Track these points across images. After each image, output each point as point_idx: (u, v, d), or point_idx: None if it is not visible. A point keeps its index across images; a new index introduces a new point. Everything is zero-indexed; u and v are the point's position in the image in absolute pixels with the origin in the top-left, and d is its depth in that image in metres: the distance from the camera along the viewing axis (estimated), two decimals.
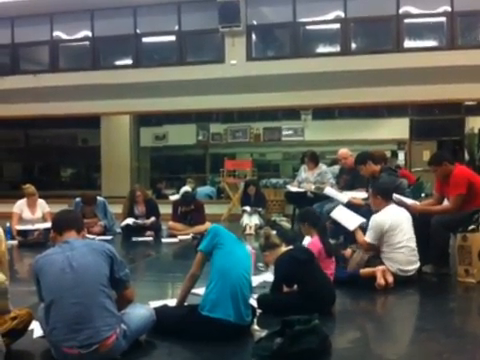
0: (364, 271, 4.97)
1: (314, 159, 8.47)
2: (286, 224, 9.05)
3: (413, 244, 5.12)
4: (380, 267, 4.91)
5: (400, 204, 5.45)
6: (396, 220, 5.07)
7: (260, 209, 9.49)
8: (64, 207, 5.30)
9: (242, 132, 14.63)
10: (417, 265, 5.12)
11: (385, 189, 5.38)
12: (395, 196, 5.56)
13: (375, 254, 5.12)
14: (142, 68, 11.87)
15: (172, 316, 3.64)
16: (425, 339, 3.61)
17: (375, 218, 5.13)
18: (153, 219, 8.85)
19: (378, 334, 3.90)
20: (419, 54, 10.40)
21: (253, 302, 3.93)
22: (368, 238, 5.12)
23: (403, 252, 5.01)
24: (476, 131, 12.92)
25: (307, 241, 4.85)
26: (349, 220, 5.39)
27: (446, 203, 5.54)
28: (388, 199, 5.23)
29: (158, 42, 12.60)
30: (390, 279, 4.85)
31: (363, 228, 5.30)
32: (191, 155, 16.36)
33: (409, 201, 5.61)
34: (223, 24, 10.95)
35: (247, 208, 9.40)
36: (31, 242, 7.91)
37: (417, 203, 5.64)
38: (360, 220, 5.36)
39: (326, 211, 6.49)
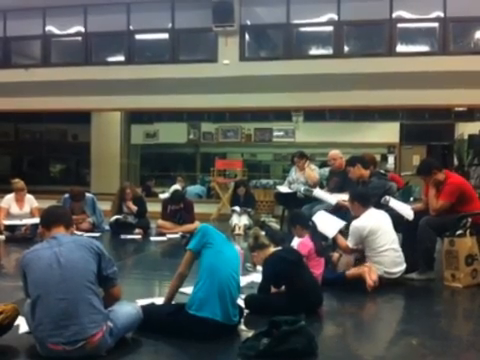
0: (350, 273, 4.99)
1: (303, 156, 8.48)
2: (275, 225, 9.08)
3: (397, 246, 5.16)
4: (365, 268, 4.93)
5: (386, 207, 5.51)
6: (376, 224, 5.09)
7: (249, 209, 9.49)
8: (53, 203, 5.30)
9: (233, 132, 14.68)
10: (403, 267, 5.14)
11: (362, 195, 5.42)
12: (392, 203, 5.60)
13: (361, 257, 5.16)
14: (134, 65, 11.83)
15: (159, 314, 3.63)
16: (411, 342, 3.63)
17: (354, 224, 5.16)
18: (136, 208, 8.82)
19: (364, 336, 3.91)
20: (411, 59, 10.44)
21: (240, 302, 3.93)
22: (349, 243, 5.17)
23: (388, 255, 5.04)
24: (466, 137, 13.02)
25: (296, 242, 4.87)
26: (328, 227, 5.38)
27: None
28: (366, 205, 5.25)
29: (151, 39, 12.56)
30: (374, 276, 4.84)
31: (343, 232, 5.34)
32: (182, 154, 16.38)
33: (402, 208, 5.62)
34: (217, 23, 10.94)
35: (236, 208, 9.39)
36: (18, 237, 7.86)
37: (410, 211, 5.62)
38: (339, 225, 5.37)
39: (318, 211, 6.50)
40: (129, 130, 14.64)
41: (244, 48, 11.43)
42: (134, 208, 8.86)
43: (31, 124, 15.89)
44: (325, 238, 5.91)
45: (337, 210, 6.34)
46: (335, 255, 5.35)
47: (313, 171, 8.32)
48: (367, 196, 5.41)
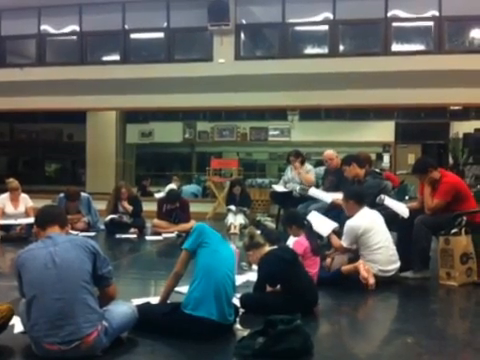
0: (346, 268, 4.99)
1: (299, 155, 8.47)
2: (270, 224, 9.08)
3: (390, 243, 5.18)
4: (360, 261, 4.94)
5: (382, 206, 5.52)
6: (370, 223, 5.12)
7: (245, 209, 9.49)
8: (48, 202, 5.28)
9: (229, 131, 14.68)
10: (397, 265, 5.16)
11: (357, 194, 5.42)
12: (387, 201, 5.61)
13: (355, 257, 5.17)
14: (130, 64, 11.82)
15: (155, 314, 3.62)
16: (406, 340, 3.63)
17: (349, 223, 5.16)
18: (131, 208, 8.81)
19: (359, 335, 3.92)
20: (406, 58, 10.46)
21: (236, 301, 3.93)
22: (344, 243, 5.19)
23: (382, 252, 5.06)
24: (461, 136, 13.07)
25: (291, 241, 4.87)
26: (322, 226, 5.39)
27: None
28: (361, 203, 5.26)
29: (146, 38, 12.55)
30: (371, 281, 4.84)
31: (337, 232, 5.34)
32: (177, 153, 16.37)
33: (397, 206, 5.63)
34: (212, 22, 10.93)
35: (232, 207, 9.40)
36: (13, 237, 7.85)
37: (405, 209, 5.63)
38: (333, 225, 5.39)
39: (311, 212, 6.50)
40: (124, 129, 14.63)
41: (239, 47, 11.43)
42: (129, 208, 8.84)
43: (26, 124, 15.86)
44: (320, 237, 5.92)
45: (332, 209, 6.34)
46: (328, 260, 5.33)
47: (309, 173, 8.30)
48: (362, 194, 5.42)
